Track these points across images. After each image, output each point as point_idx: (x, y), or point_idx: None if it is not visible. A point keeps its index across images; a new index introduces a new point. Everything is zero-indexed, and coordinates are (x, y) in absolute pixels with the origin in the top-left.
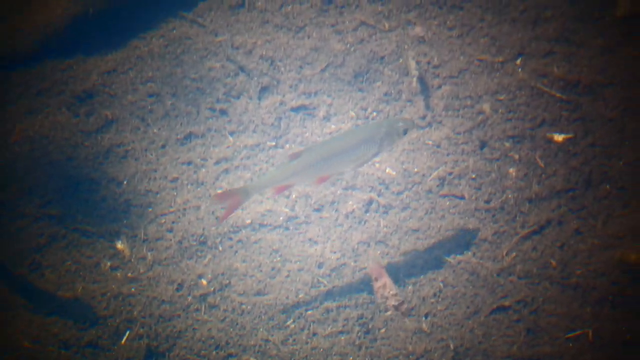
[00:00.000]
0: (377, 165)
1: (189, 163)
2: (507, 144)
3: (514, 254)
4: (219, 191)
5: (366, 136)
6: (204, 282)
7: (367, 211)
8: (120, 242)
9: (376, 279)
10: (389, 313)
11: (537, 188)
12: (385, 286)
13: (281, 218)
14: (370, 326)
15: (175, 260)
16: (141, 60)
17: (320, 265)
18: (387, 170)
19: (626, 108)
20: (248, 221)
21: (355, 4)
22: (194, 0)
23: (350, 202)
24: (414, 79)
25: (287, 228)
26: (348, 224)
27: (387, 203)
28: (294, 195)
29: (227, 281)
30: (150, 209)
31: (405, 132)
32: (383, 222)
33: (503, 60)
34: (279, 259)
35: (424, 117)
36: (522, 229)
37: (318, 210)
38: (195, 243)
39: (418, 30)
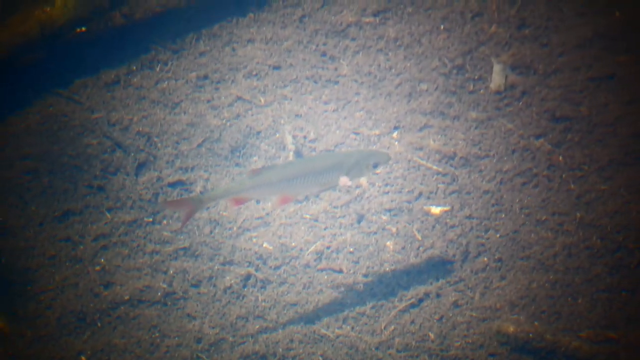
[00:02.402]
0: (254, 240)
1: (67, 240)
2: (385, 217)
3: (392, 327)
4: (169, 200)
5: (334, 163)
6: (83, 358)
7: (245, 286)
8: None
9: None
10: None
11: (415, 261)
12: None
13: (159, 294)
14: None
15: (54, 337)
16: (17, 137)
17: (198, 341)
18: (264, 245)
19: (502, 180)
20: (126, 297)
21: (231, 79)
22: (70, 78)
23: (228, 277)
24: (291, 153)
25: (165, 304)
26: (226, 299)
27: (265, 278)
28: (171, 271)
29: (107, 357)
30: (29, 286)
31: (375, 167)
32: (261, 297)
33: (379, 134)
34: (157, 334)
35: None
36: (400, 302)
37: (196, 285)
38: (74, 320)
39: None
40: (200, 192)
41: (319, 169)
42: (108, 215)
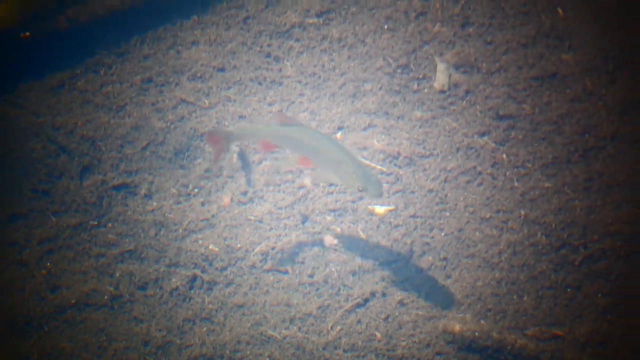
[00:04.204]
0: (199, 242)
1: (14, 244)
2: (329, 218)
3: (338, 327)
4: (209, 130)
5: (353, 173)
6: None
7: (191, 288)
8: None
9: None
10: None
11: (360, 261)
12: None
13: (106, 297)
14: None
15: (0, 340)
16: None
17: (146, 344)
18: (210, 247)
19: (446, 179)
20: (73, 301)
21: (175, 82)
22: (15, 82)
23: (174, 279)
24: (234, 155)
25: (112, 307)
26: (173, 301)
27: (211, 279)
28: (117, 274)
29: None
30: None
31: (360, 191)
32: (208, 299)
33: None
34: (104, 337)
35: (245, 193)
36: (346, 302)
37: (142, 288)
38: (21, 323)
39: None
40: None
41: (338, 164)
42: (53, 218)
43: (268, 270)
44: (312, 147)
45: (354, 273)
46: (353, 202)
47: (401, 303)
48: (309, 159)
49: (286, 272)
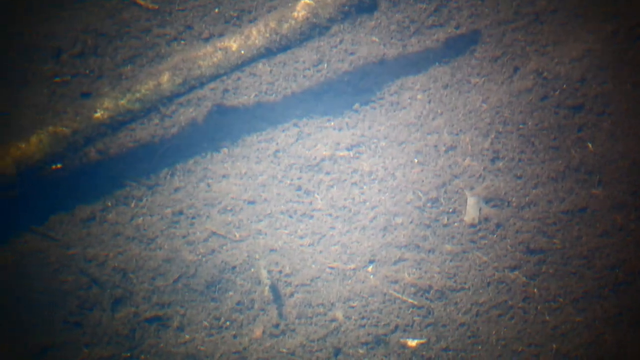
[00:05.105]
0: None
1: None
2: (361, 351)
3: None
4: None
5: None
6: None
7: None
8: None
9: None
10: None
11: None
12: None
13: None
14: None
15: None
16: None
17: None
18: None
19: (477, 312)
20: None
21: (206, 214)
22: (45, 214)
23: None
24: (266, 288)
25: None
26: None
27: None
28: None
29: None
30: None
31: None
32: None
33: (354, 268)
34: None
35: (277, 326)
36: None
37: None
38: None
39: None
40: None
41: None
42: (85, 350)
43: None
44: None
45: None
46: (385, 335)
47: None
48: None
49: None
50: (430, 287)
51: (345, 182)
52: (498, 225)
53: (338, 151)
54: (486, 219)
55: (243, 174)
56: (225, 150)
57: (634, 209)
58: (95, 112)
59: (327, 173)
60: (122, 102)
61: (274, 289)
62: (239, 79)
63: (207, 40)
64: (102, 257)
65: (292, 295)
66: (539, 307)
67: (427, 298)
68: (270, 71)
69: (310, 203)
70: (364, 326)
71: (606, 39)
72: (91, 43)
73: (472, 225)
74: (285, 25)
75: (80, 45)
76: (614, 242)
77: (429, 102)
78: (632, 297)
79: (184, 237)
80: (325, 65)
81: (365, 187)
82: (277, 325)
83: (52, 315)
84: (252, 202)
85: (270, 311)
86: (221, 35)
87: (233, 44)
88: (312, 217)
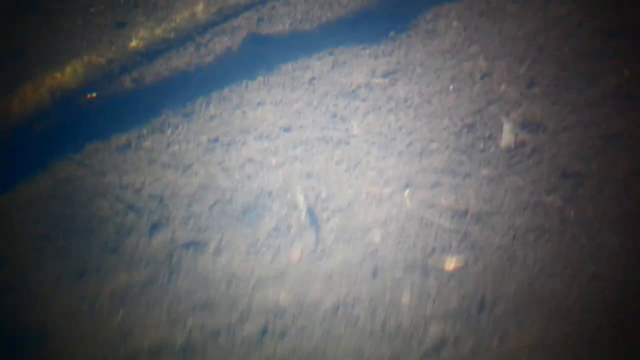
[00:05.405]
0: (270, 296)
1: (84, 297)
2: (398, 273)
3: None
4: None
5: None
6: None
7: (262, 338)
8: None
9: None
10: None
11: (431, 311)
12: None
13: (178, 345)
14: None
15: None
16: (29, 204)
17: None
18: (280, 301)
19: (514, 236)
20: (145, 349)
21: (242, 141)
22: (82, 143)
23: (245, 330)
24: (303, 213)
25: (183, 356)
26: (244, 350)
27: (282, 330)
28: (189, 324)
29: None
30: (45, 342)
31: None
32: (279, 349)
33: (391, 192)
34: None
35: (314, 250)
36: (419, 350)
37: (213, 337)
38: None
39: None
40: None
41: None
42: (123, 274)
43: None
44: None
45: (426, 323)
46: (422, 258)
47: (473, 351)
48: None
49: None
50: (467, 211)
51: (381, 109)
52: (534, 150)
53: (374, 79)
54: (522, 144)
55: (278, 102)
56: (261, 78)
57: None
58: (131, 41)
59: (363, 100)
60: (158, 31)
61: (310, 213)
62: (273, 7)
63: None
64: (139, 184)
65: (328, 219)
66: (575, 230)
67: (463, 222)
68: (306, 0)
69: (346, 130)
70: (400, 250)
71: None
72: None
73: (508, 150)
74: None
75: None
76: None
77: (465, 29)
78: None
79: (219, 163)
80: None
81: (401, 113)
82: (314, 249)
83: (89, 242)
84: (287, 129)
85: (307, 236)
86: None
87: None
88: (348, 143)
